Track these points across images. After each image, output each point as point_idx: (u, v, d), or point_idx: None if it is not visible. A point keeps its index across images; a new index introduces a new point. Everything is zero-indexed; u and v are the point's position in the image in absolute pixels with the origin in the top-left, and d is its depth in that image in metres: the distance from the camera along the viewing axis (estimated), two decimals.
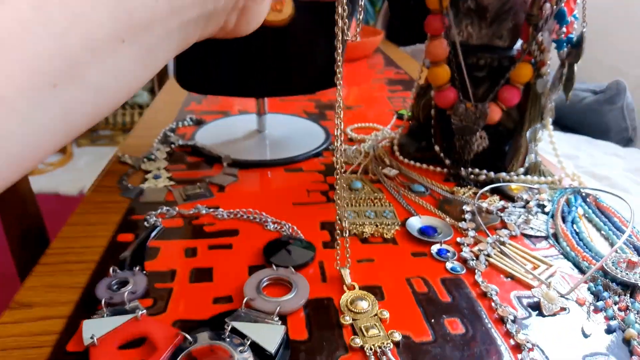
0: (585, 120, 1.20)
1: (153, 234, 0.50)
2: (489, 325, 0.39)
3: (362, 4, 0.41)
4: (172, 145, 0.70)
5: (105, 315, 0.39)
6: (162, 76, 2.36)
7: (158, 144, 0.71)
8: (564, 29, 0.57)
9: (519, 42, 0.61)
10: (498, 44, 0.62)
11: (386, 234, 0.51)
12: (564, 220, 0.54)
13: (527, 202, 0.57)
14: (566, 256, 0.49)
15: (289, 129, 0.78)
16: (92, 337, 0.36)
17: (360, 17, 0.41)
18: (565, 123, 1.25)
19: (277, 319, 0.38)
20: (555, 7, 0.55)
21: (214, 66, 0.60)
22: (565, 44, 0.57)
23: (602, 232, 0.53)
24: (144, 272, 0.44)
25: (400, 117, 0.84)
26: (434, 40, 0.58)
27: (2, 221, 0.84)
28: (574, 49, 0.57)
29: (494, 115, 0.59)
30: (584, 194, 0.59)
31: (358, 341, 0.37)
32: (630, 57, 1.32)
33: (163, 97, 0.96)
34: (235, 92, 0.61)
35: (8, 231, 0.84)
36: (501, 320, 0.40)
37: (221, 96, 0.88)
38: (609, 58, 1.36)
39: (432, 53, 0.58)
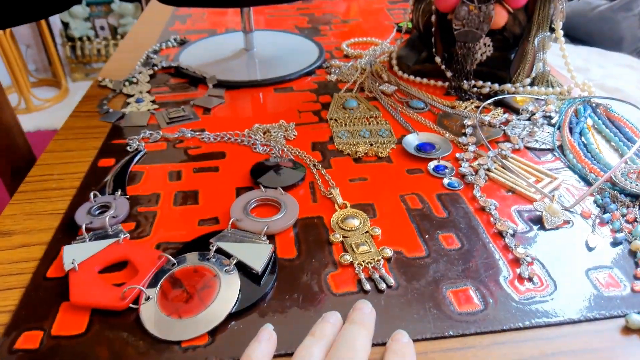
0: (597, 30, 1.12)
1: (136, 158, 0.48)
2: (487, 240, 0.37)
3: None
4: (155, 68, 0.66)
5: (87, 240, 0.37)
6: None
7: (140, 66, 0.67)
8: None
9: None
10: None
11: (381, 153, 0.48)
12: (571, 131, 0.51)
13: (533, 113, 0.53)
14: (572, 169, 0.46)
15: (279, 46, 0.73)
16: (72, 262, 0.35)
17: None
18: (575, 35, 1.16)
19: (264, 238, 0.37)
20: None
21: None
22: None
23: (612, 143, 0.50)
24: (126, 196, 0.42)
25: (399, 29, 0.78)
26: None
27: None
28: None
29: (500, 19, 0.53)
30: (594, 104, 0.55)
31: (348, 257, 0.35)
32: None
33: (146, 19, 0.89)
34: (216, 2, 0.56)
35: None
36: (500, 235, 0.38)
37: (206, 12, 0.82)
38: None
39: None
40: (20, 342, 0.30)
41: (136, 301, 0.32)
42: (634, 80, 0.91)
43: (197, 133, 0.52)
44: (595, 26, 1.13)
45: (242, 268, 0.34)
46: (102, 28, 2.28)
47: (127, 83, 0.61)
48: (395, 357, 0.27)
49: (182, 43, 0.75)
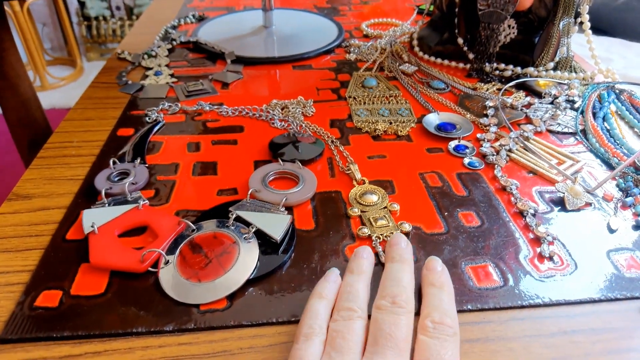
0: (621, 20, 1.10)
1: (155, 129, 0.48)
2: (507, 219, 0.37)
3: None
4: (174, 42, 0.66)
5: (107, 205, 0.37)
6: None
7: (159, 41, 0.67)
8: None
9: None
10: None
11: (400, 131, 0.48)
12: (594, 116, 0.50)
13: (556, 97, 0.52)
14: (595, 153, 0.45)
15: (297, 24, 0.72)
16: (92, 225, 0.35)
17: None
18: (598, 25, 1.14)
19: (283, 209, 0.36)
20: None
21: None
22: None
23: (636, 129, 0.49)
24: (146, 165, 0.42)
25: (421, 12, 0.77)
26: None
27: (9, 128, 0.83)
28: None
29: (526, 0, 0.52)
30: (617, 91, 0.54)
31: (366, 230, 0.35)
32: None
33: None
34: None
35: (16, 138, 0.83)
36: (520, 214, 0.37)
37: None
38: None
39: None
40: (40, 300, 0.31)
41: (155, 265, 0.32)
42: None
43: (216, 107, 0.51)
44: (620, 16, 1.11)
45: (261, 237, 0.34)
46: (117, 8, 2.28)
47: (145, 56, 0.61)
48: (433, 288, 0.28)
49: (201, 19, 0.75)
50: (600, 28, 1.15)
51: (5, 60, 0.76)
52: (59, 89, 2.16)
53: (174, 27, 0.71)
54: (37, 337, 0.29)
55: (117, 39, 2.34)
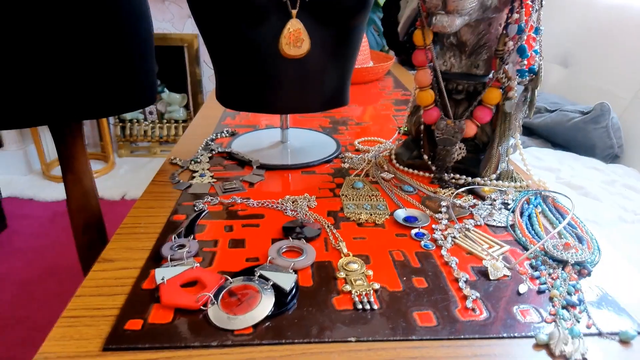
0: (573, 138, 1.32)
1: (201, 216, 0.66)
2: (447, 283, 0.53)
3: None
4: (213, 152, 0.87)
5: (170, 266, 0.54)
6: (195, 96, 2.57)
7: (201, 150, 0.88)
8: (525, 62, 0.71)
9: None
10: (475, 72, 0.75)
11: (377, 221, 0.66)
12: (521, 215, 0.68)
13: (494, 200, 0.70)
14: (518, 241, 0.62)
15: (306, 140, 0.94)
16: (162, 279, 0.51)
17: None
18: (556, 141, 1.37)
19: (291, 271, 0.53)
20: (517, 43, 0.69)
21: (247, 88, 0.77)
22: (526, 73, 0.71)
23: (554, 225, 0.67)
24: (195, 240, 0.60)
25: (400, 132, 0.99)
26: (420, 70, 0.73)
27: (69, 212, 1.01)
28: (535, 76, 0.71)
29: (470, 130, 0.73)
30: (544, 196, 0.72)
31: (348, 287, 0.51)
32: (620, 81, 1.43)
33: (203, 114, 1.13)
34: (264, 109, 0.77)
35: (73, 221, 1.02)
36: (456, 281, 0.54)
37: (252, 113, 1.05)
38: (600, 82, 1.48)
39: (418, 81, 0.73)
40: (128, 325, 0.46)
41: (205, 305, 0.48)
42: (597, 180, 1.08)
43: (245, 200, 0.70)
44: (571, 134, 1.33)
45: (276, 289, 0.51)
46: (150, 113, 2.60)
47: (192, 162, 0.82)
48: None
49: (233, 134, 0.97)
50: (557, 143, 1.38)
51: (76, 159, 0.97)
52: None
53: (212, 140, 0.93)
54: (126, 348, 0.44)
55: (147, 139, 2.63)
